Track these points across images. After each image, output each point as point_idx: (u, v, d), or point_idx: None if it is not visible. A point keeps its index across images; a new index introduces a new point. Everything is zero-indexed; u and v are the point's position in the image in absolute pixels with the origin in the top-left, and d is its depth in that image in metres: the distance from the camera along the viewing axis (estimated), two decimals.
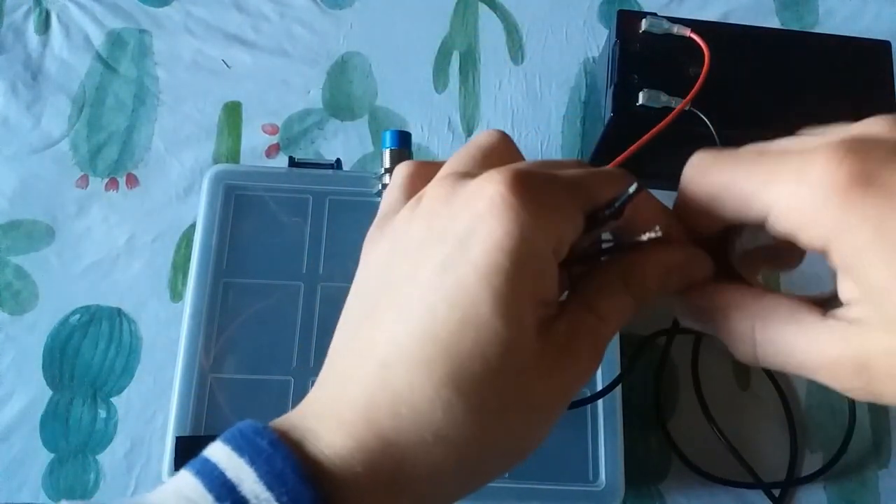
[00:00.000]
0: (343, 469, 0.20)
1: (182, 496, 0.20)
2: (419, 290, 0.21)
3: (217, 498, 0.20)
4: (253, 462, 0.20)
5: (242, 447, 0.21)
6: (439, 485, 0.22)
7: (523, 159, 0.26)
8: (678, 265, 0.25)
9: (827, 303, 0.22)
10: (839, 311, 0.21)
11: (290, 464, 0.20)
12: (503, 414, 0.21)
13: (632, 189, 0.22)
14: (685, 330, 0.56)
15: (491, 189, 0.21)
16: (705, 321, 0.25)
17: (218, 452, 0.21)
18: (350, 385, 0.22)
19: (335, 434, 0.21)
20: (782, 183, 0.21)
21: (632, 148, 0.48)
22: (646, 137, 0.48)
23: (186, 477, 0.20)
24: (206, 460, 0.21)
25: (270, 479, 0.20)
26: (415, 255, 0.22)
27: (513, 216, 0.21)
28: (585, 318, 0.23)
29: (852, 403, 0.55)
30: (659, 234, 0.23)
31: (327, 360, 0.24)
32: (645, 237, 0.23)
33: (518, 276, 0.21)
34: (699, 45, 0.51)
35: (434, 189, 0.23)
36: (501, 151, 0.25)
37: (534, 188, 0.21)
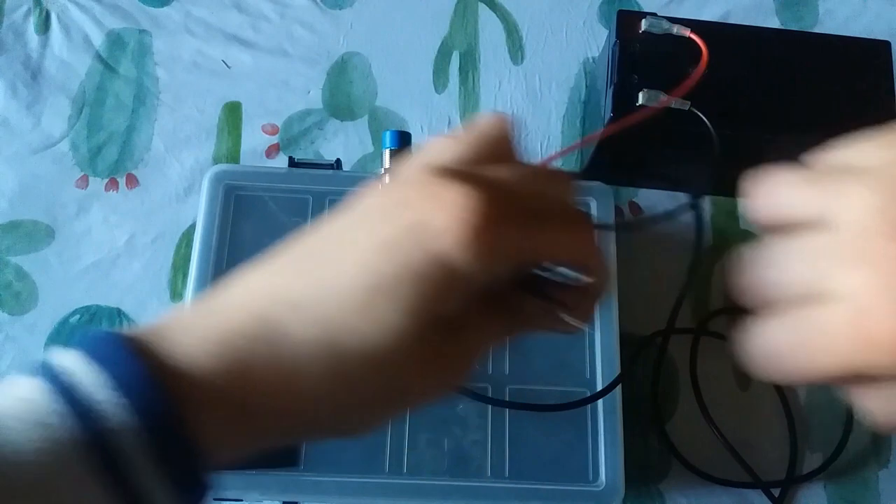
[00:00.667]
0: (190, 367, 0.21)
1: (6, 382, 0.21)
2: (352, 250, 0.23)
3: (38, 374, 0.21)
4: (82, 346, 0.21)
5: (80, 342, 0.22)
6: (273, 415, 0.22)
7: (518, 159, 0.26)
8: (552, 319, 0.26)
9: None
10: None
11: (120, 347, 0.21)
12: (360, 381, 0.23)
13: (577, 278, 0.23)
14: (681, 329, 0.56)
15: (459, 209, 0.22)
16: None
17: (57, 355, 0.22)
18: (231, 307, 0.23)
19: (191, 342, 0.22)
20: (842, 350, 0.19)
21: (606, 131, 0.47)
22: (622, 126, 0.48)
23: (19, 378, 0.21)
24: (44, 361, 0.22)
25: (100, 363, 0.21)
26: (370, 217, 0.24)
27: (457, 242, 0.22)
28: (467, 333, 0.25)
29: (850, 412, 0.55)
30: (586, 280, 0.24)
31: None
32: (572, 278, 0.24)
33: (430, 286, 0.22)
34: (699, 46, 0.51)
35: (422, 174, 0.23)
36: (502, 148, 0.26)
37: (492, 234, 0.22)
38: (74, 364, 0.21)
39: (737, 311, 0.62)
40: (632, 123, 0.41)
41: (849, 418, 0.55)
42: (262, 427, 0.23)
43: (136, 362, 0.21)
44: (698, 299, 0.58)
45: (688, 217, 0.59)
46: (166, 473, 0.20)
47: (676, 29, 0.52)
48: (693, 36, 0.52)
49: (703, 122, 0.50)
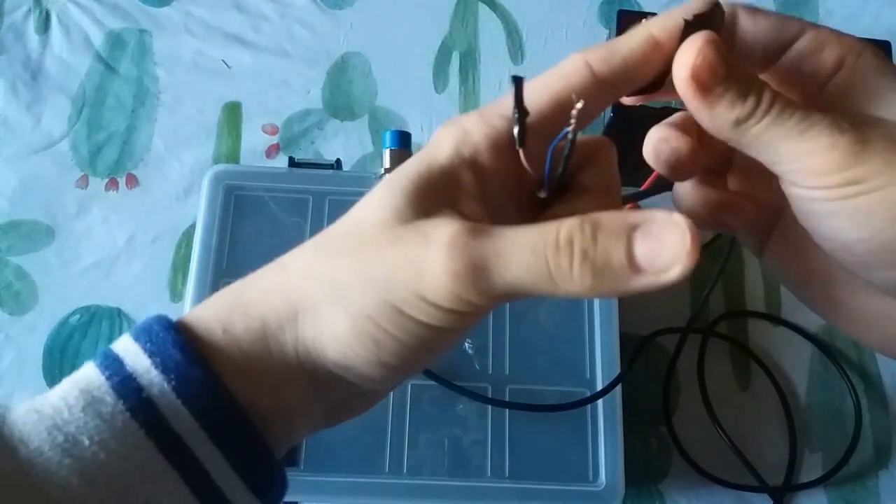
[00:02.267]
0: (200, 321, 0.23)
1: (74, 376, 0.22)
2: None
3: (99, 364, 0.22)
4: (137, 337, 0.22)
5: (139, 334, 0.23)
6: (268, 313, 0.22)
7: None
8: None
9: None
10: None
11: (163, 321, 0.22)
12: (333, 257, 0.22)
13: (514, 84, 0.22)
14: (697, 329, 0.56)
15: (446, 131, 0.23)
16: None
17: (122, 342, 0.23)
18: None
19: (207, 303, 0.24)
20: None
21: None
22: None
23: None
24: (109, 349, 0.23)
25: (152, 347, 0.22)
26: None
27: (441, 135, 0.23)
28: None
29: (858, 413, 0.55)
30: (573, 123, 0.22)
31: None
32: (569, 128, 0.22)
33: (413, 170, 0.22)
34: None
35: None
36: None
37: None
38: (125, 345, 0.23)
39: (740, 313, 0.62)
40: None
41: (857, 427, 0.55)
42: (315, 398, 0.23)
43: (165, 322, 0.22)
44: (700, 300, 0.58)
45: None
46: (214, 434, 0.21)
47: None
48: None
49: None
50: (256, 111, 0.63)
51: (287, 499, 0.45)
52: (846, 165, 0.21)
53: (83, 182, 0.60)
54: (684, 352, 0.56)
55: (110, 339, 0.55)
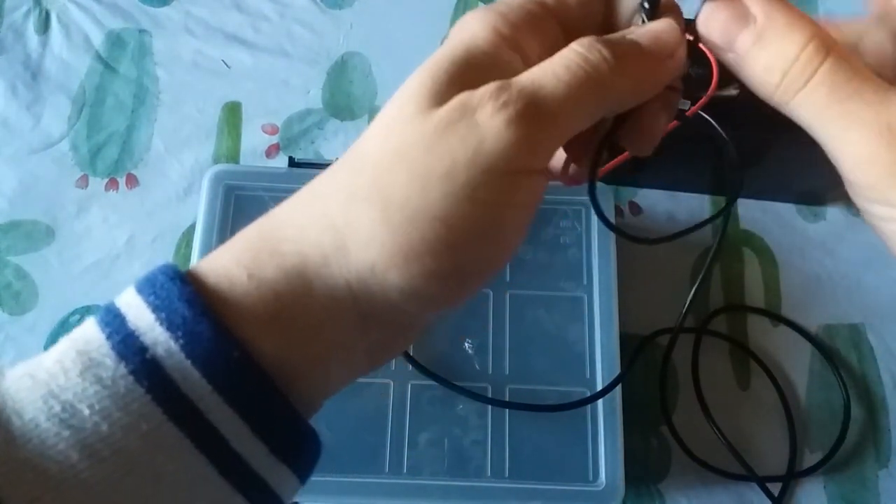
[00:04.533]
0: (216, 268, 0.21)
1: (73, 334, 0.20)
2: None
3: (101, 321, 0.20)
4: (141, 290, 0.21)
5: (143, 286, 0.21)
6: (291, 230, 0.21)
7: None
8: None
9: None
10: None
11: (169, 270, 0.21)
12: (377, 172, 0.21)
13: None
14: (687, 329, 0.56)
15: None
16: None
17: (126, 297, 0.21)
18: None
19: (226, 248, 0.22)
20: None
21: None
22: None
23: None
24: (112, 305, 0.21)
25: (156, 301, 0.20)
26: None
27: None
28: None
29: (847, 398, 0.55)
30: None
31: None
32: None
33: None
34: (701, 49, 0.51)
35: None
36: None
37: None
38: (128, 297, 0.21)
39: (737, 309, 0.62)
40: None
41: (846, 413, 0.55)
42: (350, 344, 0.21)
43: (170, 270, 0.21)
44: (698, 298, 0.58)
45: (686, 217, 0.59)
46: (224, 391, 0.19)
47: None
48: (692, 38, 0.51)
49: (707, 121, 0.50)
50: (256, 111, 0.63)
51: None
52: (883, 187, 0.19)
53: (83, 182, 0.60)
54: (683, 351, 0.56)
55: None
